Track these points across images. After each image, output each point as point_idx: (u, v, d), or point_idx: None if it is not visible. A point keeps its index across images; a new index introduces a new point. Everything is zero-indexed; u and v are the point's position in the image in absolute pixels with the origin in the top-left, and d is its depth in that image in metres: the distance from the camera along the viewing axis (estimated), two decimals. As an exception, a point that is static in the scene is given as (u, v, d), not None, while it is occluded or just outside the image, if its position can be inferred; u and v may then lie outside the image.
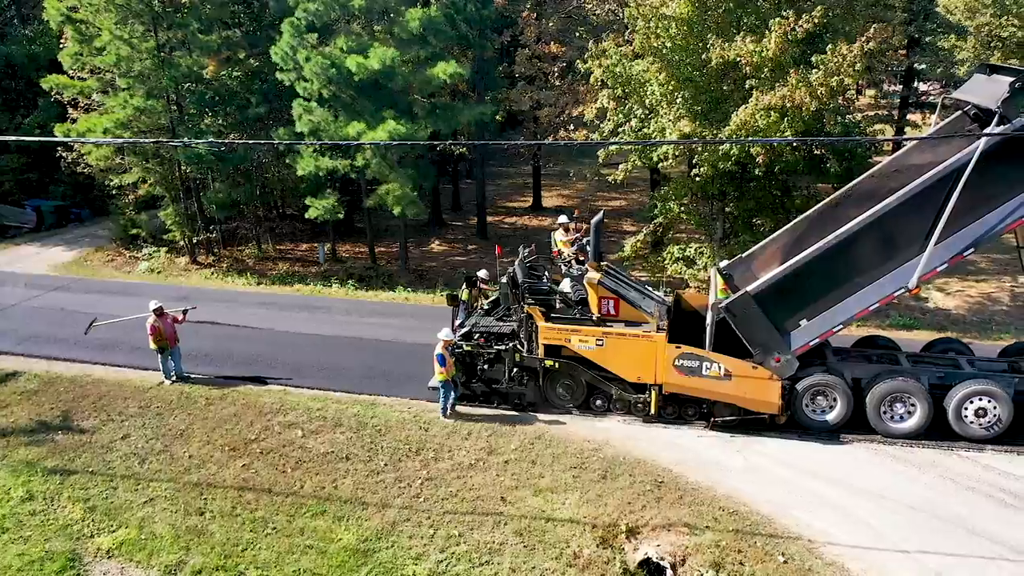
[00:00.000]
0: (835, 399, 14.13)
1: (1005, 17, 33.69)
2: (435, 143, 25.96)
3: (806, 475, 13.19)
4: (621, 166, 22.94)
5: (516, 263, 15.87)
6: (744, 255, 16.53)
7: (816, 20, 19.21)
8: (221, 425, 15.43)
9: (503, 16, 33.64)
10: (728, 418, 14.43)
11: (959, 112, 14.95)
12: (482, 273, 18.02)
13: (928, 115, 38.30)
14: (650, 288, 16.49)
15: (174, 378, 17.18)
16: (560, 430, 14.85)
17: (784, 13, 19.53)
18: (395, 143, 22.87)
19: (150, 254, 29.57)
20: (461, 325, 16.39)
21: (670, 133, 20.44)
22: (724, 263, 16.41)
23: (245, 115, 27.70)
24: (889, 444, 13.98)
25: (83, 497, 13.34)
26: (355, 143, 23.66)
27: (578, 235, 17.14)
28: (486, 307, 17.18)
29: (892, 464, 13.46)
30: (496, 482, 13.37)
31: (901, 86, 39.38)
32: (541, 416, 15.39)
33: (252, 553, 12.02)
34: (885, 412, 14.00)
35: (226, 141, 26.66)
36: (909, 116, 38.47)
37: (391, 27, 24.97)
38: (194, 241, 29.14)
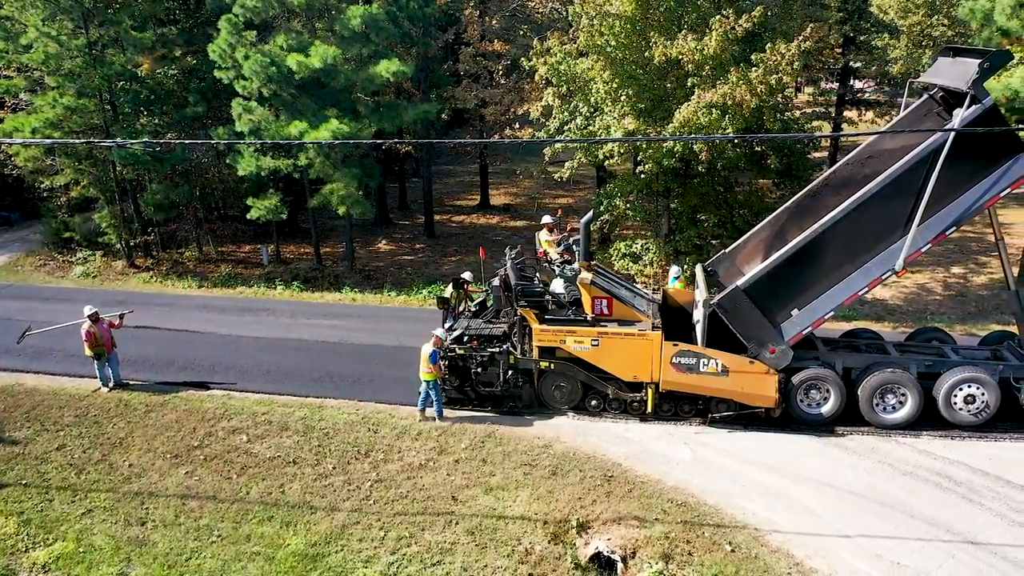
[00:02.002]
0: (828, 391, 14.31)
1: (935, 17, 34.96)
2: (379, 142, 25.70)
3: (751, 465, 13.45)
4: (567, 164, 23.06)
5: (507, 265, 15.67)
6: (727, 250, 16.69)
7: (755, 19, 19.58)
8: (162, 432, 15.01)
9: (446, 14, 33.47)
10: (725, 413, 14.55)
11: (926, 95, 15.24)
12: (467, 275, 17.83)
13: (864, 112, 39.48)
14: (638, 286, 16.54)
15: (111, 385, 16.66)
16: (510, 428, 14.85)
17: (724, 12, 19.86)
18: (338, 142, 22.53)
19: (85, 258, 28.63)
20: (451, 328, 16.12)
21: (615, 131, 20.60)
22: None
23: (182, 114, 26.95)
24: (831, 433, 14.33)
25: (17, 510, 12.82)
26: (297, 143, 23.25)
27: (563, 235, 17.13)
28: (473, 309, 17.00)
29: (834, 452, 13.80)
30: (447, 482, 13.30)
31: (837, 84, 40.42)
32: (491, 415, 15.38)
33: (197, 562, 11.72)
34: (877, 404, 14.24)
35: (162, 141, 25.93)
36: (846, 113, 39.53)
37: (332, 24, 24.60)
38: (131, 244, 28.27)
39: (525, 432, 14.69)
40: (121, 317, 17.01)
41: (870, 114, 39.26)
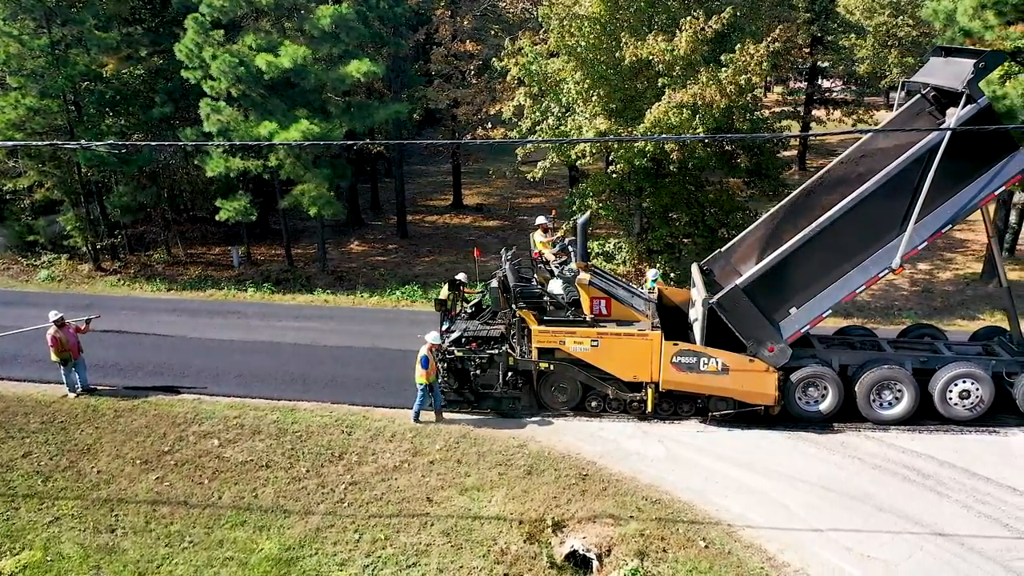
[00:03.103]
0: (826, 388, 14.42)
1: (900, 17, 35.61)
2: (351, 143, 25.52)
3: (724, 461, 13.58)
4: (539, 164, 23.09)
5: (506, 266, 15.59)
6: (723, 249, 16.78)
7: (724, 20, 19.75)
8: (132, 438, 14.78)
9: (417, 13, 33.32)
10: (725, 412, 14.60)
11: (918, 95, 15.42)
12: (461, 276, 17.77)
13: (832, 111, 40.05)
14: (633, 285, 16.55)
15: (79, 391, 16.37)
16: (485, 428, 14.84)
17: (694, 13, 20.01)
18: (308, 143, 22.32)
19: (50, 261, 28.06)
20: (448, 330, 15.94)
21: (586, 131, 20.67)
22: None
23: (149, 115, 26.52)
24: (801, 428, 14.49)
25: (-19, 520, 12.56)
26: (267, 143, 23.00)
27: (557, 236, 17.08)
28: (469, 311, 16.89)
29: (805, 447, 13.98)
30: (422, 483, 13.26)
31: (806, 83, 40.95)
32: (465, 416, 15.34)
33: (168, 569, 11.55)
34: (874, 400, 14.39)
35: (129, 143, 25.52)
36: (814, 112, 40.06)
37: (302, 24, 24.40)
38: (98, 247, 27.79)
39: (500, 432, 14.69)
40: (88, 322, 16.72)
41: (838, 113, 39.81)
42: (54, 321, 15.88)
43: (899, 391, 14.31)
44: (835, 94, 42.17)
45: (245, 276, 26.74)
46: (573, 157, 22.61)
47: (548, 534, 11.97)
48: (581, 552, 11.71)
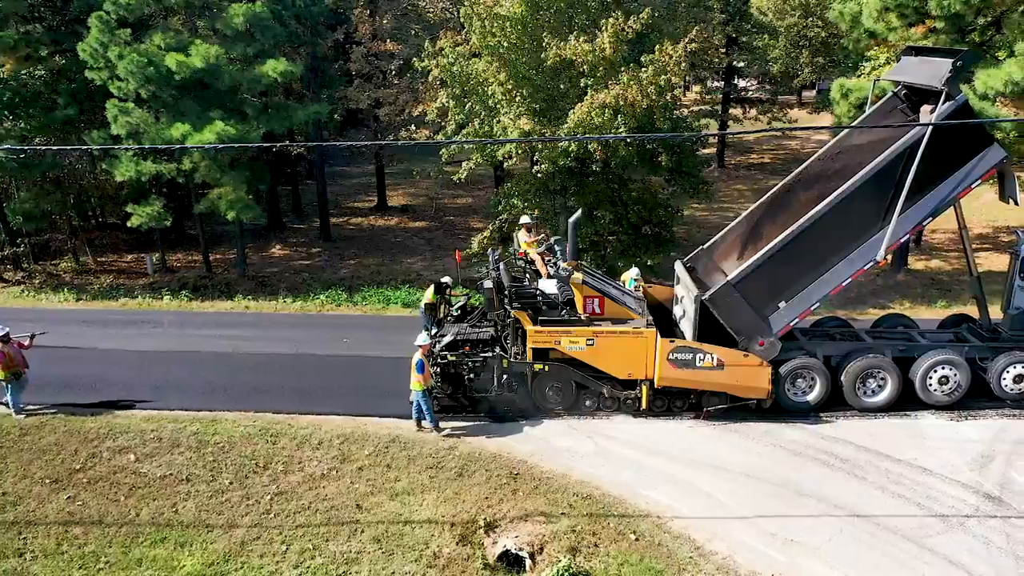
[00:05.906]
0: (813, 379, 14.72)
1: (810, 19, 36.94)
2: (268, 145, 24.90)
3: (652, 455, 13.76)
4: (464, 164, 23.00)
5: (501, 267, 15.35)
6: (705, 246, 16.88)
7: (643, 20, 20.07)
8: (39, 456, 14.02)
9: (335, 12, 32.76)
10: (718, 406, 14.70)
11: (890, 94, 15.87)
12: (447, 279, 17.36)
13: (748, 109, 41.26)
14: (620, 283, 16.56)
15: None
16: (414, 431, 14.64)
17: (614, 14, 20.27)
18: (223, 146, 21.60)
19: (-54, 273, 26.51)
20: (440, 335, 15.59)
21: (511, 131, 20.68)
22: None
23: (52, 117, 25.22)
24: (728, 419, 14.79)
25: None
26: (179, 147, 22.17)
27: (542, 236, 16.88)
28: (455, 314, 16.58)
29: (729, 437, 14.29)
30: (351, 490, 13.00)
31: (723, 82, 42.05)
32: (394, 419, 15.08)
33: (82, 593, 11.02)
34: (859, 388, 14.76)
35: (29, 147, 24.25)
36: (731, 110, 41.17)
37: (214, 23, 23.69)
38: (-2, 257, 26.43)
39: (429, 435, 14.53)
40: (32, 337, 15.80)
41: (754, 111, 41.00)
42: (0, 337, 14.97)
43: (882, 379, 14.77)
44: (751, 93, 43.46)
45: (160, 283, 25.78)
46: (499, 158, 22.59)
47: (481, 535, 11.89)
48: (514, 552, 11.69)
